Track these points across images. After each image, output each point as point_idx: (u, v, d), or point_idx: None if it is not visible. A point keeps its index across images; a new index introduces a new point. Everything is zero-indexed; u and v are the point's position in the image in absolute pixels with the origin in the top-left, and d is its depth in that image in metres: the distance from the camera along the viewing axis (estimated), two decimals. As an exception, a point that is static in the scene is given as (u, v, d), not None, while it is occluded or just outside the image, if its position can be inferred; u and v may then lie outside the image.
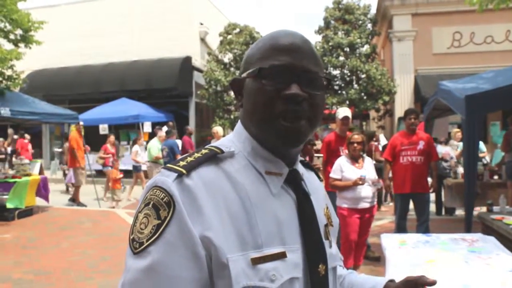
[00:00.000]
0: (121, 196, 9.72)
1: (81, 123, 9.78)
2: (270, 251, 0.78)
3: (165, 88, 14.32)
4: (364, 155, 4.67)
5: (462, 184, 5.89)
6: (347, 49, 13.94)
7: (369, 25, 14.43)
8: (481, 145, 8.79)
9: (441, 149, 7.85)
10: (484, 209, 5.59)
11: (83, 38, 16.09)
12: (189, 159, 0.82)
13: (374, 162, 5.30)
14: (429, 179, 5.60)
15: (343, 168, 4.48)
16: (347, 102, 13.57)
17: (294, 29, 0.92)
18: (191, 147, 9.86)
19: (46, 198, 8.76)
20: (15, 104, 8.35)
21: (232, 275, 0.73)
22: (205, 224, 0.74)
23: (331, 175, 4.56)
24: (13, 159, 10.43)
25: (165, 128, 9.85)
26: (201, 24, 16.02)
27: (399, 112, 13.24)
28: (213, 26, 16.26)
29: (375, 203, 4.68)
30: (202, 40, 16.28)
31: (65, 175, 11.63)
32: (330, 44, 13.74)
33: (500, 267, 2.79)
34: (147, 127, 13.08)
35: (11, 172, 8.43)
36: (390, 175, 5.72)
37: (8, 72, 8.74)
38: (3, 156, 10.48)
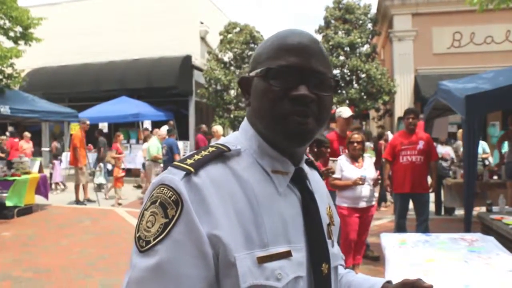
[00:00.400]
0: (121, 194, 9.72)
1: (87, 122, 9.72)
2: (276, 250, 0.78)
3: (165, 87, 14.29)
4: (364, 154, 4.67)
5: (462, 184, 5.90)
6: (347, 49, 13.93)
7: (369, 25, 14.42)
8: (485, 145, 8.79)
9: (441, 149, 7.85)
10: (483, 209, 5.60)
11: (83, 36, 16.05)
12: (196, 157, 0.81)
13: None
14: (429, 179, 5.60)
15: (343, 167, 4.49)
16: (347, 101, 13.57)
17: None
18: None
19: (45, 196, 8.76)
20: (15, 102, 8.34)
21: (239, 274, 0.73)
22: (213, 223, 0.73)
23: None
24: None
25: (164, 128, 9.84)
26: (202, 23, 16.00)
27: (399, 112, 13.24)
28: (214, 25, 16.24)
29: (375, 202, 4.69)
30: (202, 39, 16.26)
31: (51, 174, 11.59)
32: (330, 43, 13.73)
33: (500, 267, 2.79)
34: (147, 126, 13.06)
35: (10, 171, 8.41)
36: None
37: (8, 70, 8.75)
38: (3, 155, 10.45)
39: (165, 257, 0.71)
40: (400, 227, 5.33)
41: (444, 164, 7.69)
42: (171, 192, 0.75)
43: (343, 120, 5.04)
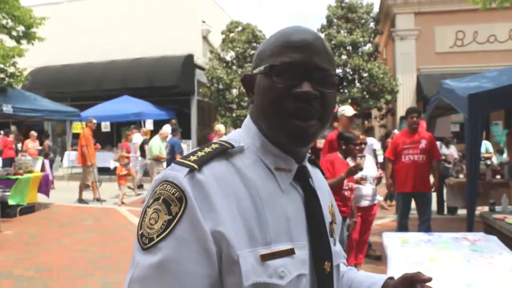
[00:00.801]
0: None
1: (94, 121, 9.72)
2: (278, 247, 0.77)
3: (167, 86, 14.32)
4: (365, 153, 4.66)
5: (464, 183, 5.88)
6: (350, 48, 13.93)
7: (372, 24, 14.41)
8: (488, 145, 8.76)
9: (445, 150, 7.82)
10: (486, 208, 5.58)
11: (85, 35, 16.08)
12: (199, 153, 0.81)
13: None
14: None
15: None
16: (349, 100, 13.57)
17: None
18: None
19: (46, 193, 8.77)
20: (17, 101, 8.35)
21: (243, 272, 0.72)
22: (216, 220, 0.73)
23: None
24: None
25: (166, 127, 9.84)
26: (204, 22, 16.00)
27: (401, 111, 13.22)
28: (216, 24, 16.25)
29: (377, 201, 4.69)
30: (205, 38, 16.27)
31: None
32: (333, 42, 13.73)
33: (502, 266, 2.78)
34: (149, 125, 13.09)
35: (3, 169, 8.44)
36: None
37: (11, 69, 8.76)
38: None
39: (168, 255, 0.70)
40: (402, 227, 5.32)
41: (448, 165, 7.64)
42: (174, 189, 0.74)
43: (346, 119, 5.00)
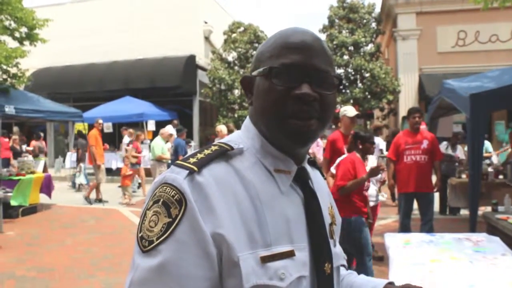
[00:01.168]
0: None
1: (100, 121, 9.71)
2: (279, 249, 0.77)
3: (169, 87, 14.34)
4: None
5: (467, 183, 5.86)
6: (352, 48, 13.91)
7: (374, 24, 14.39)
8: (488, 145, 8.71)
9: (450, 152, 7.78)
10: (488, 209, 5.56)
11: (87, 36, 16.12)
12: (199, 155, 0.80)
13: None
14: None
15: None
16: (351, 101, 13.55)
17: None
18: None
19: (48, 194, 8.79)
20: (20, 102, 8.38)
21: (243, 274, 0.72)
22: (216, 222, 0.72)
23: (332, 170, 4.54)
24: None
25: (168, 127, 9.85)
26: (206, 22, 16.02)
27: (403, 111, 13.18)
28: (218, 24, 16.25)
29: (379, 201, 4.68)
30: (206, 38, 16.28)
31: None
32: (335, 42, 13.71)
33: (506, 267, 2.77)
34: (151, 126, 13.10)
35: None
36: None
37: (13, 70, 8.79)
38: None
39: (168, 257, 0.70)
40: (404, 227, 5.31)
41: (455, 165, 7.61)
42: (174, 191, 0.74)
43: (348, 119, 4.99)
